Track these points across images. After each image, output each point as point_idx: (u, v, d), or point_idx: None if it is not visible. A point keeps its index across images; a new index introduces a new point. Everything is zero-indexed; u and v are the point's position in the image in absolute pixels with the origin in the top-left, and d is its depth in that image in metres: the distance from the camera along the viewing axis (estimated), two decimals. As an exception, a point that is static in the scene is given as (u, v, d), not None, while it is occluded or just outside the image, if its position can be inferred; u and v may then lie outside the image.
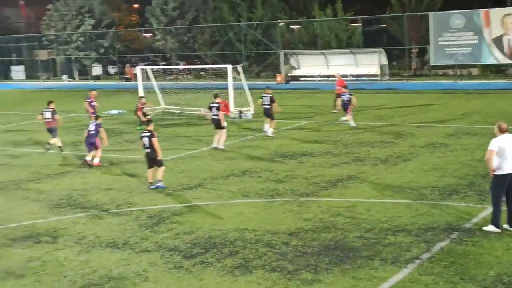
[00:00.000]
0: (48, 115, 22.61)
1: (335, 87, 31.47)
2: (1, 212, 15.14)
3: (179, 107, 32.70)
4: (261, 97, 25.05)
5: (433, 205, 13.99)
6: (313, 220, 13.28)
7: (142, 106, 28.17)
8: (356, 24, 57.31)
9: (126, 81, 62.54)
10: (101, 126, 20.23)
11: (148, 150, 16.65)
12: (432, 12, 49.07)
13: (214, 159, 20.34)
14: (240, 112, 31.13)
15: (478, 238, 11.64)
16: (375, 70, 51.72)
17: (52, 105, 22.89)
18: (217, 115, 22.25)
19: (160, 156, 16.72)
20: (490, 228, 12.03)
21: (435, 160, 18.75)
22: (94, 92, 27.48)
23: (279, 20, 59.64)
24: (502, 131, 12.18)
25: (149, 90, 35.04)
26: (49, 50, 73.99)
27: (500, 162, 11.95)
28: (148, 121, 17.34)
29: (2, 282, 10.67)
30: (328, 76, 53.54)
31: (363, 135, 23.98)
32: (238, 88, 32.60)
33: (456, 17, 47.15)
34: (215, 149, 22.04)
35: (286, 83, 53.49)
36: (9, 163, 21.39)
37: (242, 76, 32.91)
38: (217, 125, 22.34)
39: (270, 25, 60.16)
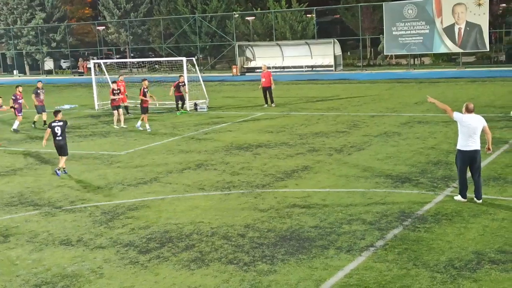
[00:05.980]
0: None
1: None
2: (-50, 212, 14.74)
3: (133, 101, 32.37)
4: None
5: (387, 193, 14.17)
6: (269, 211, 13.31)
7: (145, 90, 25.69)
8: (311, 15, 57.65)
9: (79, 75, 61.68)
10: None
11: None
12: (386, 2, 49.67)
13: (169, 152, 20.20)
14: (196, 104, 31.02)
15: (430, 224, 11.84)
16: (329, 60, 52.16)
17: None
18: None
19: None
20: (458, 198, 13.18)
21: (388, 149, 18.99)
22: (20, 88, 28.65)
23: (234, 12, 59.54)
24: (468, 110, 13.07)
25: (103, 84, 34.61)
26: (-2, 45, 72.42)
27: (463, 139, 12.88)
28: (56, 112, 18.03)
29: (-49, 283, 10.41)
30: (283, 67, 53.83)
31: (318, 125, 24.13)
32: (193, 81, 32.49)
33: (409, 7, 47.86)
34: None
35: (241, 74, 53.49)
36: (-42, 162, 20.85)
37: (197, 68, 32.81)
38: None
39: (225, 17, 60.05)
